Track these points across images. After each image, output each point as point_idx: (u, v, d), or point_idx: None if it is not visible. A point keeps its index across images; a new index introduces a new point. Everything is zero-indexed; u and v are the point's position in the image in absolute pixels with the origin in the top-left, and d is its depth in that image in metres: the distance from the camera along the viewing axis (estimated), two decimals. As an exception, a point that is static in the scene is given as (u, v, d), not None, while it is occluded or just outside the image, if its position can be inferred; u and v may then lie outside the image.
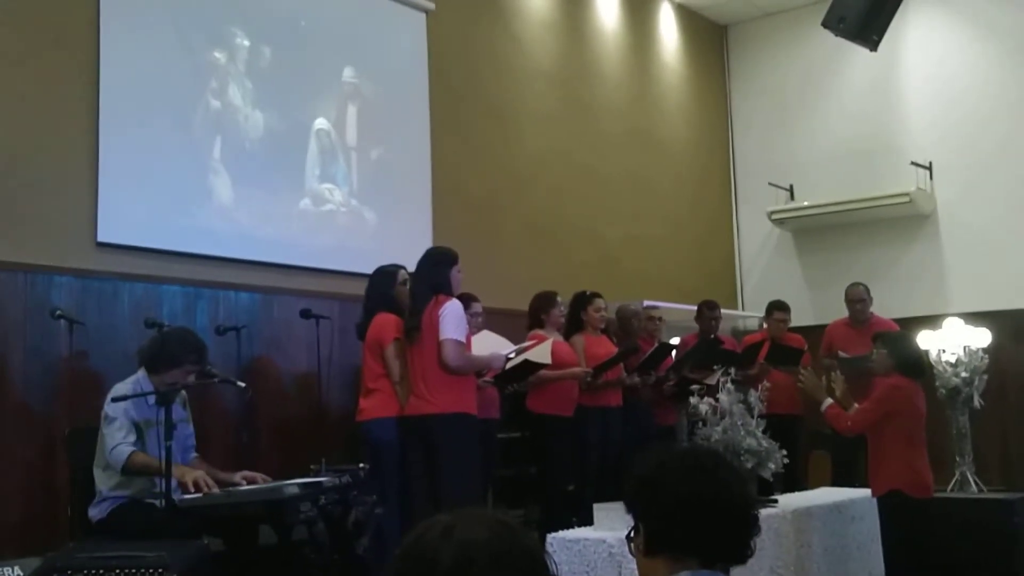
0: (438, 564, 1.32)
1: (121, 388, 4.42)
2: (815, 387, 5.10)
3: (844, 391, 5.11)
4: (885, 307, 8.17)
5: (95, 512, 4.38)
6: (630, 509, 1.95)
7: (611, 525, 4.24)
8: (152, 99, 5.81)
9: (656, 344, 7.33)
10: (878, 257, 9.82)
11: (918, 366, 4.98)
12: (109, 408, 4.34)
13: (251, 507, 4.18)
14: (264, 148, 6.38)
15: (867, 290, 7.68)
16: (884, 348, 5.01)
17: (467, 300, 5.69)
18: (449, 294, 5.32)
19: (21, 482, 4.96)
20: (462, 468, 5.13)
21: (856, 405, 5.05)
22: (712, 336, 7.76)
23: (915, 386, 4.93)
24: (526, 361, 5.99)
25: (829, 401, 5.01)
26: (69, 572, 3.38)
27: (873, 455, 4.94)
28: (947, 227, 9.76)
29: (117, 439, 4.31)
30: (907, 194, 9.53)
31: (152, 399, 4.29)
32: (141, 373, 4.53)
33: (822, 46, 9.88)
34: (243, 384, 4.64)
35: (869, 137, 10.09)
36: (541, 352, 6.09)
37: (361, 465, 4.77)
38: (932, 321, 8.52)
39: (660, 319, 7.68)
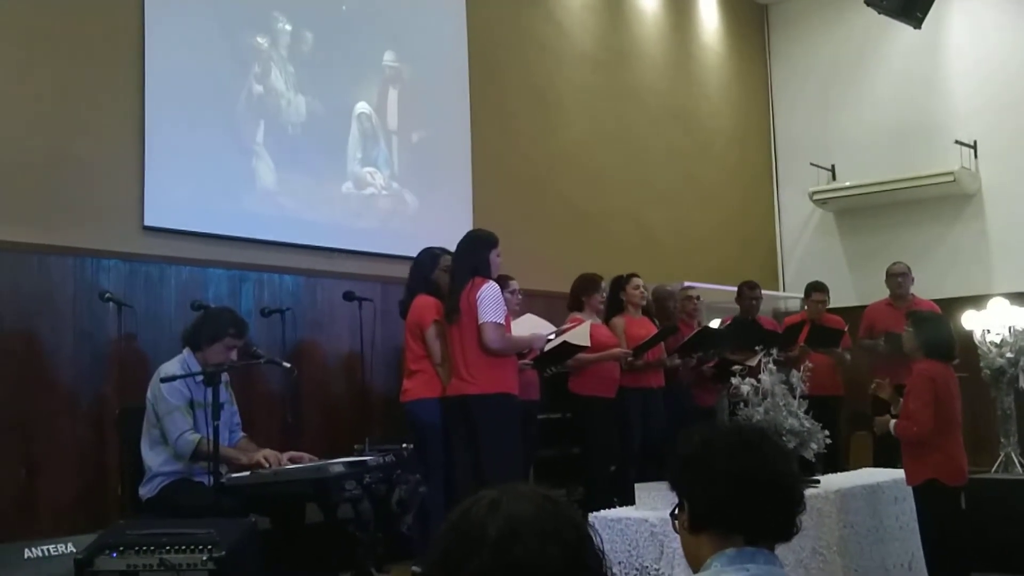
0: (485, 537, 1.32)
1: (169, 368, 4.48)
2: (885, 424, 5.01)
3: (891, 393, 5.05)
4: (928, 288, 8.07)
5: (145, 490, 4.44)
6: (675, 487, 1.94)
7: (653, 505, 4.24)
8: (196, 85, 5.86)
9: (696, 325, 7.30)
10: (921, 237, 9.70)
11: (942, 348, 4.86)
12: (163, 389, 4.39)
13: (297, 486, 4.21)
14: (306, 132, 6.41)
15: (908, 268, 7.60)
16: (912, 328, 4.95)
17: (503, 280, 5.70)
18: (486, 276, 5.33)
19: (73, 462, 5.05)
20: (503, 447, 5.17)
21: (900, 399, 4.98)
22: (750, 318, 7.70)
23: (944, 369, 4.83)
24: (565, 343, 5.99)
25: (894, 422, 4.92)
26: (121, 548, 3.43)
27: (906, 443, 4.87)
28: (992, 206, 9.62)
29: (181, 426, 4.38)
30: (951, 173, 9.41)
31: (199, 379, 4.34)
32: (186, 352, 4.59)
33: (864, 24, 9.75)
34: (288, 364, 4.68)
35: (912, 116, 9.95)
36: (580, 334, 6.09)
37: (404, 444, 4.80)
38: (977, 301, 8.38)
39: (698, 298, 7.64)
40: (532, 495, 1.39)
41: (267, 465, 4.35)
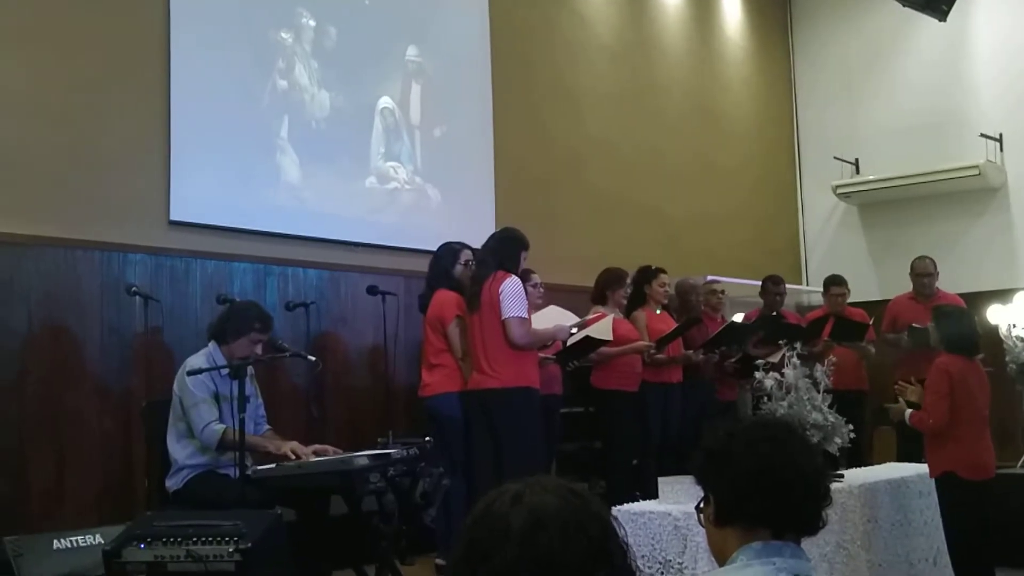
0: (509, 530, 1.33)
1: (195, 361, 4.52)
2: (899, 412, 5.02)
3: (921, 393, 5.04)
4: (953, 282, 8.01)
5: (172, 483, 4.49)
6: (700, 480, 1.94)
7: (676, 498, 4.23)
8: (221, 80, 5.89)
9: (721, 320, 7.28)
10: (946, 231, 9.62)
11: (963, 343, 4.86)
12: (189, 383, 4.42)
13: (322, 478, 4.22)
14: (330, 127, 6.43)
15: (934, 264, 7.54)
16: (934, 322, 4.96)
17: (524, 273, 5.70)
18: (509, 271, 5.33)
19: (101, 454, 5.10)
20: (524, 441, 5.18)
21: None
22: (775, 312, 7.67)
23: (966, 363, 4.82)
24: (587, 338, 5.99)
25: (909, 411, 4.93)
26: (149, 539, 3.46)
27: (925, 435, 4.87)
28: (1018, 200, 9.54)
29: (206, 418, 4.42)
30: (976, 167, 9.33)
31: (225, 372, 4.37)
32: (212, 346, 4.62)
33: (889, 16, 9.69)
34: (313, 358, 4.70)
35: (937, 109, 9.87)
36: (602, 328, 6.09)
37: (427, 438, 4.82)
38: (1002, 295, 8.36)
39: (723, 292, 7.62)
40: (556, 488, 1.39)
41: (294, 458, 4.38)
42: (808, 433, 4.63)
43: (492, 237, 5.46)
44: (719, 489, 1.89)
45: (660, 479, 4.55)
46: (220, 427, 4.41)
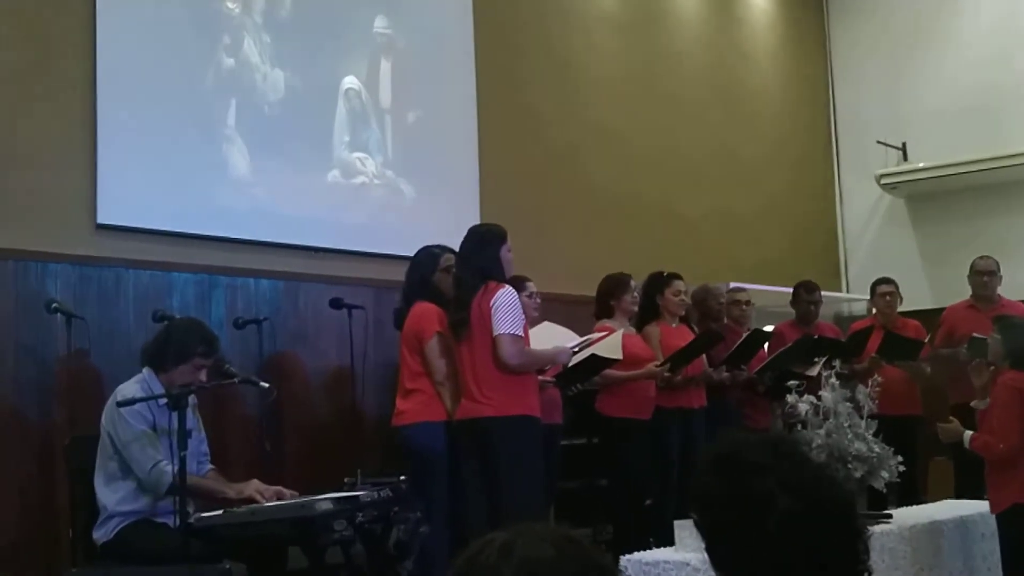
0: None
1: (127, 390, 4.49)
2: (956, 433, 5.04)
3: (957, 432, 5.05)
4: (1018, 286, 8.03)
5: (100, 533, 4.45)
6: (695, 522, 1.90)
7: (695, 545, 4.21)
8: (157, 59, 5.87)
9: (746, 332, 7.27)
10: (1009, 227, 9.66)
11: None
12: (125, 415, 4.40)
13: (278, 526, 4.21)
14: (285, 112, 6.42)
15: (997, 264, 7.56)
16: (999, 333, 4.99)
17: (518, 282, 5.69)
18: (500, 280, 5.32)
19: (16, 499, 5.05)
20: (525, 479, 5.16)
21: (967, 432, 4.99)
22: (814, 335, 7.60)
23: None
24: (593, 356, 5.98)
25: (969, 433, 4.95)
26: (72, 601, 3.43)
27: (991, 464, 4.88)
28: (1093, 190, 9.59)
29: (152, 455, 4.39)
30: (1043, 151, 9.37)
31: (163, 402, 4.35)
32: (147, 372, 4.60)
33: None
34: (267, 384, 4.68)
35: (996, 85, 9.90)
36: (610, 346, 6.07)
37: (402, 477, 4.80)
38: (1075, 303, 8.33)
39: (748, 303, 7.62)
40: (551, 536, 1.39)
41: (262, 500, 4.35)
42: (850, 466, 4.63)
43: (463, 246, 5.44)
44: (704, 531, 1.84)
45: (676, 523, 4.54)
46: (170, 467, 4.36)
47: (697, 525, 1.85)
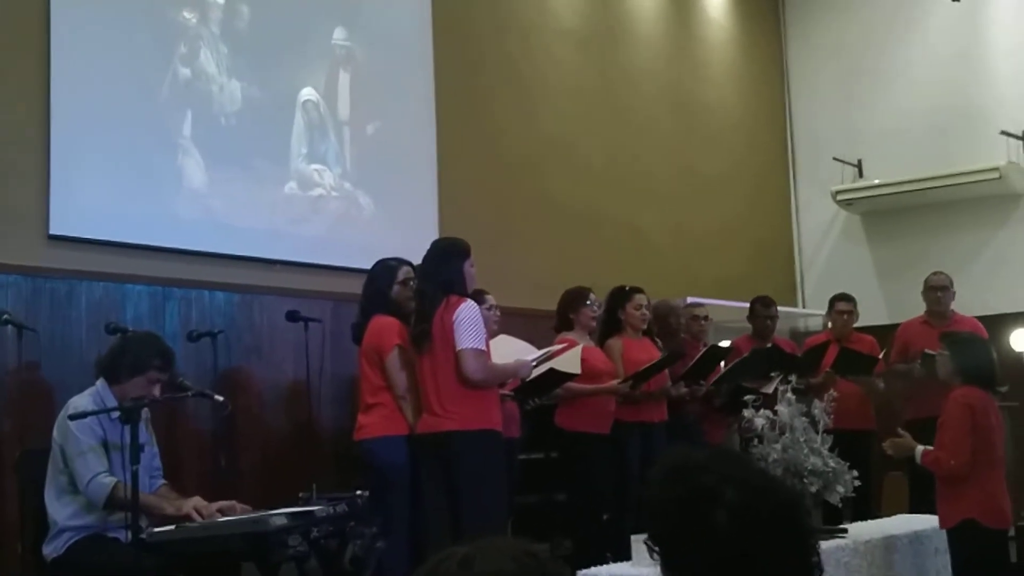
0: None
1: (79, 402, 4.45)
2: (907, 448, 5.08)
3: (906, 447, 5.09)
4: (970, 302, 8.12)
5: (50, 549, 4.40)
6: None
7: (651, 560, 4.22)
8: (111, 68, 5.83)
9: (703, 347, 7.31)
10: (963, 244, 9.76)
11: (982, 374, 4.96)
12: (73, 427, 4.36)
13: (231, 541, 4.17)
14: (242, 123, 6.40)
15: (950, 280, 7.64)
16: (947, 350, 5.04)
17: (476, 296, 5.69)
18: (462, 294, 5.32)
19: (-36, 515, 4.99)
20: (486, 494, 5.16)
21: (919, 447, 5.03)
22: (769, 345, 7.70)
23: (985, 397, 4.92)
24: (552, 371, 5.98)
25: (921, 449, 4.99)
26: (21, 618, 3.39)
27: (941, 479, 4.92)
28: (1045, 208, 9.71)
29: (93, 468, 4.35)
30: (996, 169, 9.47)
31: (115, 415, 4.30)
32: (100, 384, 4.56)
33: (895, -3, 9.83)
34: (221, 398, 4.65)
35: (951, 104, 10.02)
36: (568, 360, 6.08)
37: (359, 492, 4.77)
38: (1027, 318, 8.45)
39: (706, 318, 7.66)
40: (510, 550, 1.40)
41: (198, 518, 4.32)
42: (805, 481, 4.66)
43: (425, 259, 5.44)
44: (656, 544, 1.85)
45: (633, 537, 4.54)
46: (110, 480, 4.35)
47: (649, 542, 1.85)
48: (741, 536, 1.73)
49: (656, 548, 1.82)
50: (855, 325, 8.03)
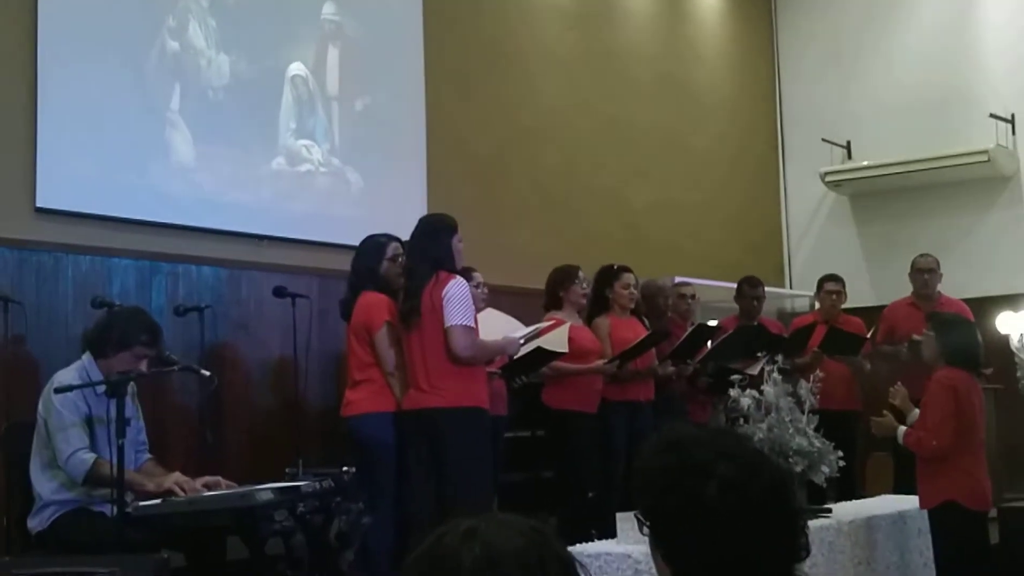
0: (460, 569, 1.36)
1: (64, 376, 4.44)
2: (889, 428, 5.10)
3: (903, 398, 5.13)
4: (957, 285, 8.14)
5: (35, 522, 4.40)
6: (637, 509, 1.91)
7: (637, 537, 4.23)
8: (99, 42, 5.80)
9: (690, 327, 7.32)
10: (950, 226, 9.77)
11: (966, 356, 4.98)
12: (56, 402, 4.35)
13: (217, 516, 4.19)
14: (230, 97, 6.38)
15: (937, 262, 7.66)
16: (933, 331, 5.06)
17: (464, 273, 5.69)
18: (452, 270, 5.32)
19: (-51, 487, 4.98)
20: (472, 471, 5.17)
21: (916, 410, 5.06)
22: (755, 323, 7.72)
23: (968, 379, 4.94)
24: (539, 349, 5.99)
25: (903, 429, 5.02)
26: (6, 591, 3.39)
27: (922, 459, 4.95)
28: (1032, 191, 9.73)
29: (74, 444, 4.35)
30: (985, 152, 9.49)
31: (101, 390, 4.30)
32: (87, 358, 4.55)
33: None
34: (207, 372, 4.65)
35: (940, 85, 10.02)
36: (556, 339, 6.09)
37: (345, 468, 4.78)
38: (1013, 301, 8.51)
39: (693, 297, 7.68)
40: (516, 524, 1.42)
41: (181, 493, 4.32)
42: (791, 460, 4.68)
43: (413, 235, 5.43)
44: (647, 518, 1.85)
45: (619, 515, 4.56)
46: (89, 456, 4.34)
47: (639, 515, 1.86)
48: (730, 512, 1.74)
49: (646, 521, 1.83)
50: (843, 307, 8.05)
